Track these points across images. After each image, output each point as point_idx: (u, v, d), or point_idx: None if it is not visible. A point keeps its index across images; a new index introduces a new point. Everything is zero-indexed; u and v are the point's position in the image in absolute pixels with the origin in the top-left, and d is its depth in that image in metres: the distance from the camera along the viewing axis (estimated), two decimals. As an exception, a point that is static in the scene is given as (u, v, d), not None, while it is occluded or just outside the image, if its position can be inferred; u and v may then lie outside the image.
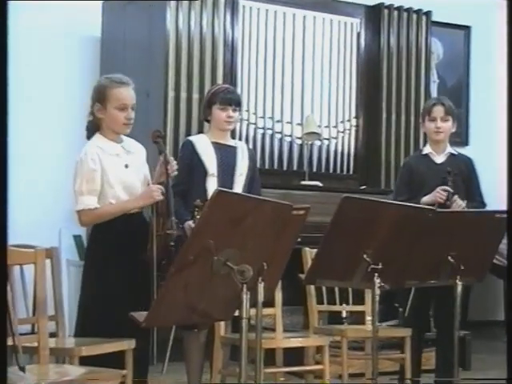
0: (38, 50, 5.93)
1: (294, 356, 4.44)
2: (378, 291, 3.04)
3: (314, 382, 4.39)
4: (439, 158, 4.62)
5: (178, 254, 2.53)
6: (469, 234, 3.33)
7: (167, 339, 3.85)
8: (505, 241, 3.38)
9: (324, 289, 4.47)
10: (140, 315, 2.63)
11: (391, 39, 6.55)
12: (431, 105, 4.65)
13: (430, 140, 4.71)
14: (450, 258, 3.28)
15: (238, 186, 4.30)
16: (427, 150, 4.67)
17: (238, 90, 5.55)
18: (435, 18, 6.79)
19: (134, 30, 5.91)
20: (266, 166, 6.00)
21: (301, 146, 6.15)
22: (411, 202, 4.07)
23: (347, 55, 6.39)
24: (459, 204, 4.40)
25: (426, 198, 4.41)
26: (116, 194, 3.65)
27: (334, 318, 5.04)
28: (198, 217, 3.76)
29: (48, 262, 3.56)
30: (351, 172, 6.39)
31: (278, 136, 6.10)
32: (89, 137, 3.75)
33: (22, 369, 2.64)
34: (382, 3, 6.56)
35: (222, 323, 4.03)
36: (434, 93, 7.23)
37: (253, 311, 2.60)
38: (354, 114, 6.42)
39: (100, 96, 3.69)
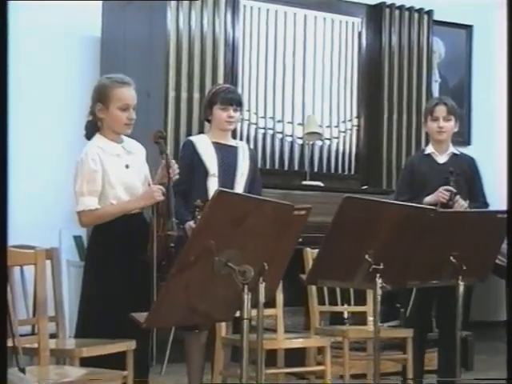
0: (38, 50, 5.93)
1: (296, 357, 4.43)
2: (379, 291, 3.03)
3: (316, 383, 4.38)
4: (441, 158, 4.61)
5: (179, 255, 2.52)
6: (471, 234, 3.31)
7: (167, 340, 3.83)
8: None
9: (325, 289, 4.46)
10: (140, 316, 2.62)
11: (393, 38, 6.54)
12: (433, 104, 4.63)
13: (432, 140, 4.69)
14: (451, 258, 3.27)
15: (239, 187, 4.29)
16: (429, 149, 4.66)
17: (239, 90, 5.55)
18: (437, 17, 6.78)
19: (135, 30, 5.90)
20: (267, 166, 5.99)
21: (302, 145, 6.14)
22: (413, 202, 4.06)
23: (348, 54, 6.38)
24: (461, 204, 4.39)
25: (428, 198, 4.40)
26: (117, 194, 3.64)
27: (336, 318, 5.03)
28: (198, 217, 3.74)
29: (48, 262, 3.56)
30: (352, 172, 6.38)
31: (279, 136, 6.09)
32: (88, 136, 3.74)
33: (22, 370, 2.64)
34: (384, 2, 6.54)
35: (223, 324, 4.02)
36: (435, 92, 7.22)
37: (254, 312, 2.59)
38: (355, 113, 6.40)
39: (102, 96, 3.67)
